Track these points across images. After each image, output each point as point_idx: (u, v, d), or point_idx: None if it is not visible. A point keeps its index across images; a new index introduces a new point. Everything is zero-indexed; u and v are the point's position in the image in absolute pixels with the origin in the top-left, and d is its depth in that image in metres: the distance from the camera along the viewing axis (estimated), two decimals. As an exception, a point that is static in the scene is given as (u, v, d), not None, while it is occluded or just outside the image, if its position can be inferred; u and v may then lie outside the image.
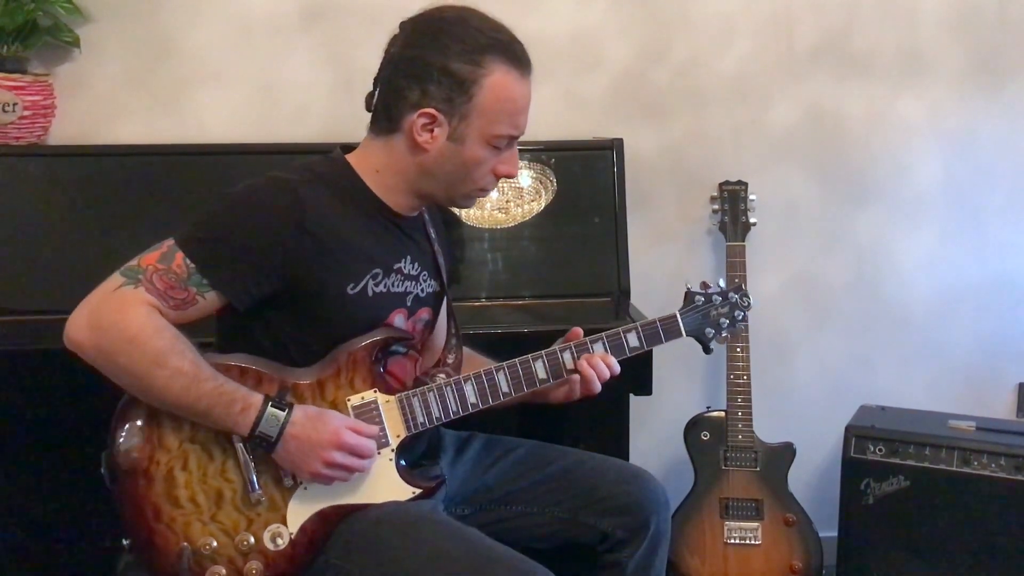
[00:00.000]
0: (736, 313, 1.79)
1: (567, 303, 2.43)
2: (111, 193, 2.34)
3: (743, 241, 2.61)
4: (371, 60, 2.56)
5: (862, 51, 2.75)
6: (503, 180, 1.73)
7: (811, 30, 2.73)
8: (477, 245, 2.43)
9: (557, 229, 2.47)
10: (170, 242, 1.55)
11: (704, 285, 1.80)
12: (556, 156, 2.49)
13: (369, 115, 1.69)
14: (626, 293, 2.46)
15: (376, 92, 1.66)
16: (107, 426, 1.59)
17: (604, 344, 1.72)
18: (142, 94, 2.53)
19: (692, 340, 1.79)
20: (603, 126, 2.63)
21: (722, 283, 1.81)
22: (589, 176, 2.51)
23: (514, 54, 1.62)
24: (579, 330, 1.75)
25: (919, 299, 2.86)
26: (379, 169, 1.66)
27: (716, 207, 2.66)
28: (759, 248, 2.74)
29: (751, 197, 2.64)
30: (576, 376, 1.71)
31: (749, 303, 1.80)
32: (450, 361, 1.76)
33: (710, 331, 1.78)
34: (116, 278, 1.52)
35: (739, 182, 2.66)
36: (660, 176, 2.74)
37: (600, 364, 1.70)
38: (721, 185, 2.66)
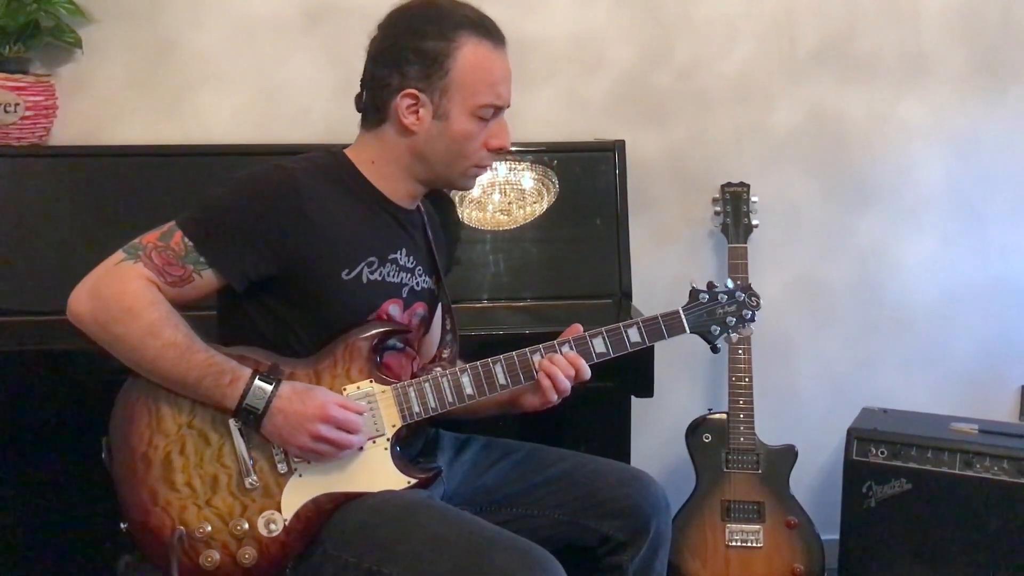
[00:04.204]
0: (744, 312, 1.79)
1: (569, 305, 2.43)
2: (113, 194, 2.35)
3: (745, 243, 2.61)
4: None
5: (864, 53, 2.75)
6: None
7: (813, 32, 2.73)
8: (479, 247, 2.43)
9: (559, 231, 2.47)
10: (171, 223, 1.61)
11: (710, 285, 1.80)
12: (558, 158, 2.49)
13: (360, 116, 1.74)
14: (628, 295, 2.46)
15: (363, 92, 1.72)
16: (107, 427, 1.60)
17: (604, 338, 1.72)
18: (144, 95, 2.54)
19: (700, 341, 1.79)
20: (605, 128, 2.63)
21: (729, 283, 1.81)
22: (591, 178, 2.51)
23: (484, 27, 1.67)
24: (579, 326, 1.75)
25: (921, 302, 2.85)
26: (374, 160, 1.71)
27: (718, 209, 2.65)
28: (761, 250, 2.73)
29: (753, 199, 2.64)
30: (544, 381, 1.68)
31: (758, 302, 1.80)
32: (445, 355, 1.77)
33: (716, 328, 1.77)
34: (118, 254, 1.59)
35: (741, 184, 2.65)
36: (662, 178, 2.74)
37: (562, 369, 1.67)
38: (723, 187, 2.66)
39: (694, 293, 1.78)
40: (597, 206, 2.50)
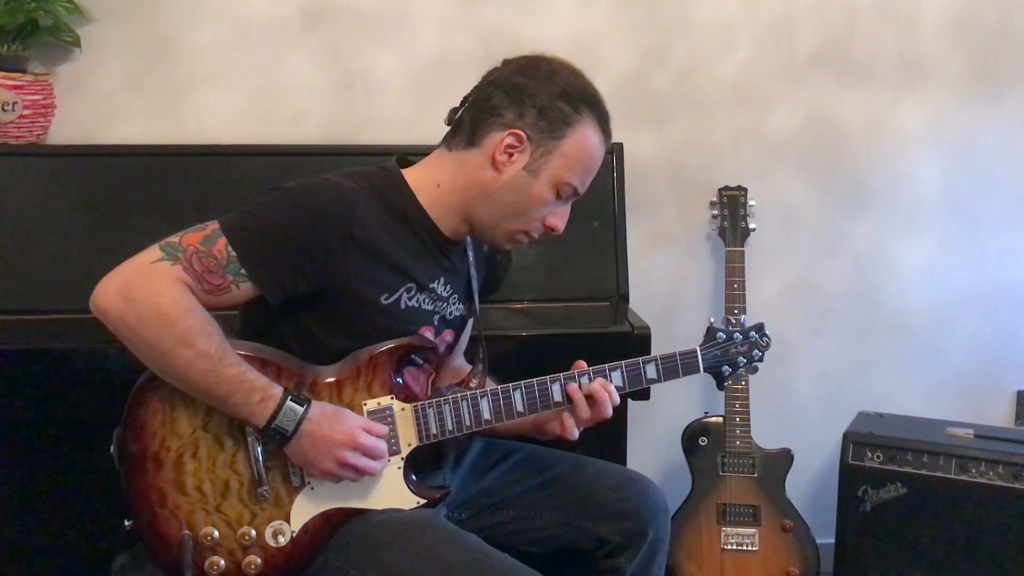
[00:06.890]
0: (755, 352, 1.76)
1: (566, 307, 2.43)
2: (111, 193, 2.34)
3: (742, 247, 2.61)
4: (371, 62, 2.59)
5: (862, 58, 2.75)
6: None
7: (811, 36, 2.73)
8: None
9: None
10: (215, 225, 1.54)
11: (726, 321, 1.77)
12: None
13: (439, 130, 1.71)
14: (625, 297, 2.46)
15: (462, 108, 1.68)
16: (107, 425, 1.58)
17: (622, 372, 1.69)
18: (142, 94, 2.53)
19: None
20: (603, 130, 2.63)
21: (745, 320, 1.79)
22: (589, 180, 2.51)
23: (606, 124, 1.69)
24: (582, 363, 1.71)
25: (918, 306, 2.86)
26: (440, 183, 1.67)
27: (715, 212, 2.66)
28: (758, 254, 2.74)
29: (751, 203, 2.64)
30: (567, 415, 1.67)
31: (768, 343, 1.77)
32: (473, 385, 1.74)
33: (727, 369, 1.75)
34: (154, 251, 1.51)
35: (739, 187, 2.66)
36: (660, 181, 2.74)
37: (610, 392, 1.68)
38: (721, 190, 2.66)
39: (712, 331, 1.75)
40: (595, 208, 2.49)
